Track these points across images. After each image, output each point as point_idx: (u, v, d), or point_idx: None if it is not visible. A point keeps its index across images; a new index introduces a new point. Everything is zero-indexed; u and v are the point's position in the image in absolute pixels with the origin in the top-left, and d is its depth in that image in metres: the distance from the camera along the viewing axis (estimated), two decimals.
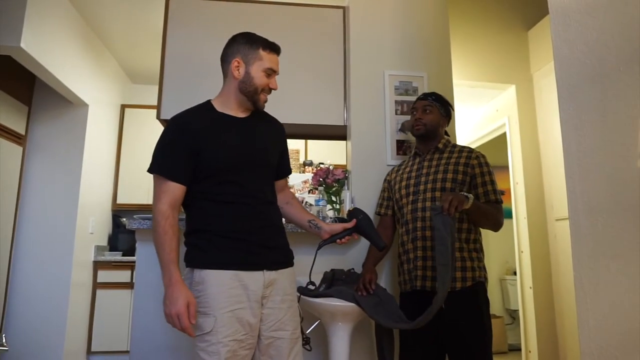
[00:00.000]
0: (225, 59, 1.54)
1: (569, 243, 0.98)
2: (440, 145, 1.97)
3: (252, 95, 1.51)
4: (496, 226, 1.83)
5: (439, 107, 1.98)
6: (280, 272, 1.49)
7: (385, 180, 2.14)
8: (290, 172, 1.74)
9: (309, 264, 1.99)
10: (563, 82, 1.04)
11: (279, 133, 1.67)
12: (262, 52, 1.51)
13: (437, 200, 1.81)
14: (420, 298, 1.78)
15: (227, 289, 1.37)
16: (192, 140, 1.43)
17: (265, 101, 1.56)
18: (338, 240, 1.61)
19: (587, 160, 0.96)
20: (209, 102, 1.56)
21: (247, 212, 1.46)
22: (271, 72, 1.53)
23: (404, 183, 1.97)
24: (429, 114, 1.96)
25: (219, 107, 1.54)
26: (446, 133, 2.06)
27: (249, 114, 1.57)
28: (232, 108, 1.54)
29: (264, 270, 1.43)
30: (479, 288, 1.79)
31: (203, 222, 1.45)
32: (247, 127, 1.54)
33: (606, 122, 0.93)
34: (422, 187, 1.89)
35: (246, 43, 1.51)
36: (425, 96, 2.02)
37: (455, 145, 1.98)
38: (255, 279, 1.41)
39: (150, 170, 1.44)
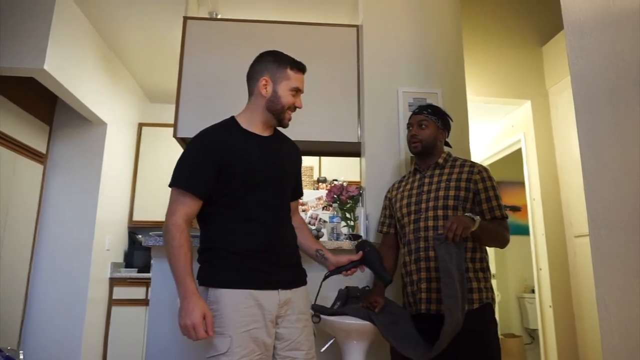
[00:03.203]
0: (252, 77, 1.56)
1: (589, 260, 0.96)
2: (440, 160, 1.88)
3: (279, 113, 1.53)
4: (502, 244, 1.76)
5: (435, 120, 1.89)
6: (294, 291, 1.48)
7: (386, 197, 2.06)
8: (302, 195, 1.76)
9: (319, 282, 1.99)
10: (580, 97, 1.03)
11: (296, 156, 1.69)
12: (289, 72, 1.53)
13: (440, 219, 1.75)
14: (426, 322, 1.71)
15: (242, 308, 1.36)
16: (215, 156, 1.44)
17: (290, 119, 1.57)
18: (344, 272, 1.60)
19: (607, 176, 0.95)
20: (233, 119, 1.58)
21: (263, 230, 1.46)
22: (297, 91, 1.55)
23: (405, 201, 1.89)
24: (424, 130, 1.87)
25: (243, 123, 1.55)
26: (447, 144, 1.98)
27: (272, 133, 1.59)
28: (257, 126, 1.55)
29: (279, 290, 1.43)
30: (487, 310, 1.70)
31: (219, 238, 1.44)
32: (270, 146, 1.56)
33: (625, 138, 0.92)
34: (423, 206, 1.81)
35: (274, 62, 1.54)
36: (420, 110, 1.92)
37: (456, 159, 1.90)
38: (271, 298, 1.41)
39: (170, 184, 1.45)
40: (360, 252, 1.62)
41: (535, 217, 3.43)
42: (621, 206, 0.90)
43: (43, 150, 3.58)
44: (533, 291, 3.61)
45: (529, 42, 3.56)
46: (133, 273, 4.08)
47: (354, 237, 2.24)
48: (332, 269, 1.61)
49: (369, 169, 2.42)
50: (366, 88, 2.53)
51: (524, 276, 4.75)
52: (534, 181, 3.44)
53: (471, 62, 3.19)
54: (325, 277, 1.63)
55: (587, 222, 1.00)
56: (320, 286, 1.65)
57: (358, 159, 2.73)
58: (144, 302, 3.88)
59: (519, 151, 3.73)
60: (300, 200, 1.80)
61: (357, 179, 2.91)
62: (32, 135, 3.41)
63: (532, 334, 4.60)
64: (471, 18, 3.37)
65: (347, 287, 1.96)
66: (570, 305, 3.17)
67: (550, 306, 3.21)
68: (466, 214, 1.65)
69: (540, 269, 3.36)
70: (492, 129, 4.23)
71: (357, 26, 2.77)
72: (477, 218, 1.59)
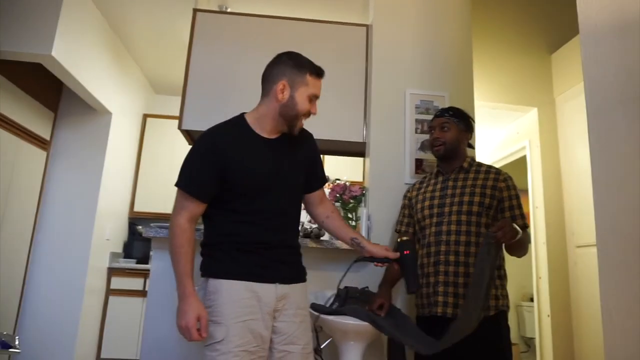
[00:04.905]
0: (269, 79, 1.50)
1: (590, 271, 0.95)
2: (465, 165, 1.86)
3: (292, 119, 1.48)
4: (524, 254, 1.76)
5: (457, 122, 1.86)
6: (292, 286, 1.49)
7: (405, 197, 2.03)
8: (325, 182, 1.70)
9: (320, 280, 1.97)
10: (593, 105, 1.02)
11: (308, 146, 1.63)
12: (308, 77, 1.47)
13: (464, 224, 1.75)
14: (439, 324, 1.70)
15: (240, 299, 1.38)
16: (220, 158, 1.43)
17: (301, 127, 1.53)
18: (375, 263, 1.58)
19: (618, 187, 0.93)
20: (242, 117, 1.53)
21: (265, 231, 1.46)
22: (314, 98, 1.50)
23: (427, 203, 1.87)
24: (447, 132, 1.85)
25: (252, 124, 1.51)
26: (470, 145, 1.96)
27: (280, 135, 1.54)
28: (265, 128, 1.51)
29: (277, 284, 1.44)
30: (501, 317, 1.72)
31: (221, 236, 1.46)
32: (277, 149, 1.51)
33: (638, 148, 0.90)
34: (447, 210, 1.79)
35: (294, 66, 1.48)
36: (442, 112, 1.89)
37: (480, 165, 1.88)
38: (268, 291, 1.42)
39: (176, 184, 1.45)
40: (398, 253, 1.56)
41: (537, 225, 3.41)
42: (631, 215, 0.89)
43: (47, 136, 3.58)
44: (531, 300, 3.59)
45: (538, 49, 3.54)
46: (132, 264, 4.08)
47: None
48: (366, 256, 1.58)
49: (372, 169, 2.41)
50: (374, 88, 2.52)
51: (523, 284, 4.73)
52: (538, 189, 3.43)
53: (479, 67, 3.17)
54: (356, 260, 1.59)
55: (595, 230, 0.98)
56: (348, 269, 1.62)
57: (362, 158, 2.72)
58: (142, 293, 3.88)
59: (523, 158, 3.71)
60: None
61: (361, 179, 2.90)
62: (36, 121, 3.40)
63: (528, 342, 4.58)
64: (481, 23, 3.35)
65: (346, 287, 1.95)
66: (569, 315, 3.15)
67: (548, 315, 3.19)
68: (513, 224, 1.61)
69: (540, 278, 3.34)
70: (498, 134, 4.22)
71: (366, 25, 2.76)
72: (520, 230, 1.57)
